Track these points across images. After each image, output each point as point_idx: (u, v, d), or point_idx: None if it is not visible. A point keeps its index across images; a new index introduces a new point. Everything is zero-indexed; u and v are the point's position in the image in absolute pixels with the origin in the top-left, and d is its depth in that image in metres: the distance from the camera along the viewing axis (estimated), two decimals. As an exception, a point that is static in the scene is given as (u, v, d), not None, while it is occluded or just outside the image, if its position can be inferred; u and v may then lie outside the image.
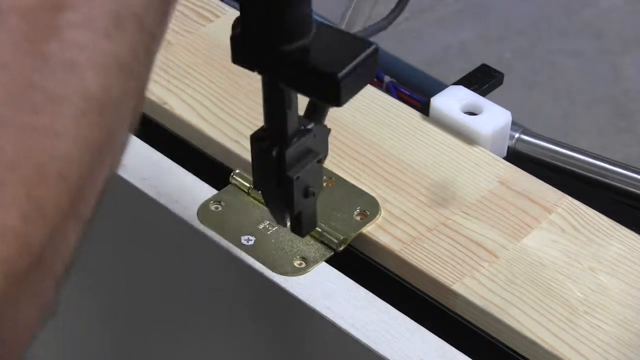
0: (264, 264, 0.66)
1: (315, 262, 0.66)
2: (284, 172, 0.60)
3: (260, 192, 0.63)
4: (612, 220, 0.69)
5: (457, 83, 0.78)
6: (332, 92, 0.54)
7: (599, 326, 0.62)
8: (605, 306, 0.63)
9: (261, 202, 0.69)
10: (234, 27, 0.57)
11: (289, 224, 0.63)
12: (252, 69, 0.57)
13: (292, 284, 0.65)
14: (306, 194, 0.61)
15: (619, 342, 0.61)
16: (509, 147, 0.77)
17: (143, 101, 0.44)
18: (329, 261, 0.66)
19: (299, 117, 0.60)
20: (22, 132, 0.38)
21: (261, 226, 0.68)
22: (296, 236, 0.67)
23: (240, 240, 0.67)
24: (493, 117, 0.74)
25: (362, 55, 0.55)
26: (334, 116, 0.75)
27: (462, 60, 2.06)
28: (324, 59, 0.55)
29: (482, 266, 0.65)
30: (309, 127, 0.60)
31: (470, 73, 0.81)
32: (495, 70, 0.81)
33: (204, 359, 0.78)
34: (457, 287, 0.64)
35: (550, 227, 0.68)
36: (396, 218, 0.68)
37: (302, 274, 0.65)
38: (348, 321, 0.63)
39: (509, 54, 2.14)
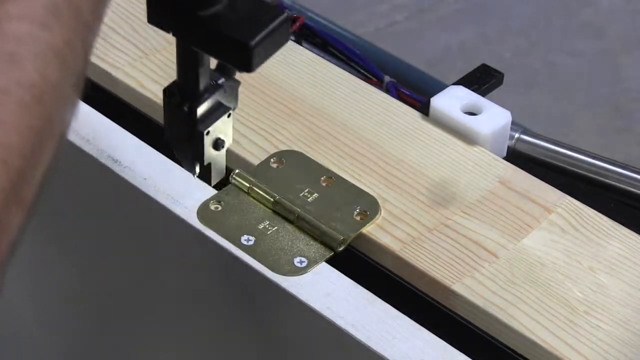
0: (264, 264, 0.66)
1: (315, 262, 0.66)
2: (194, 127, 0.62)
3: (170, 143, 0.65)
4: (612, 220, 0.69)
5: (457, 83, 0.78)
6: (243, 60, 0.57)
7: (599, 326, 0.62)
8: (605, 306, 0.63)
9: (261, 202, 0.69)
10: None
11: (197, 172, 0.65)
12: (167, 30, 0.59)
13: (292, 284, 0.65)
14: (216, 146, 0.64)
15: (619, 342, 0.61)
16: (509, 147, 0.77)
17: (81, 88, 0.45)
18: (329, 261, 0.66)
19: (211, 71, 0.62)
20: None
21: (261, 226, 0.68)
22: (296, 236, 0.67)
23: (240, 240, 0.67)
24: (493, 117, 0.74)
25: (274, 24, 0.57)
26: (334, 115, 0.75)
27: (462, 60, 2.06)
28: (237, 26, 0.57)
29: (482, 266, 0.65)
30: (220, 82, 0.63)
31: (470, 73, 0.81)
32: (495, 70, 0.81)
33: (204, 358, 0.78)
34: (457, 287, 0.64)
35: (550, 227, 0.68)
36: (396, 218, 0.68)
37: (302, 274, 0.65)
38: (348, 321, 0.63)
39: (509, 54, 2.14)
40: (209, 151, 0.64)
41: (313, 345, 0.67)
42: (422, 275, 0.65)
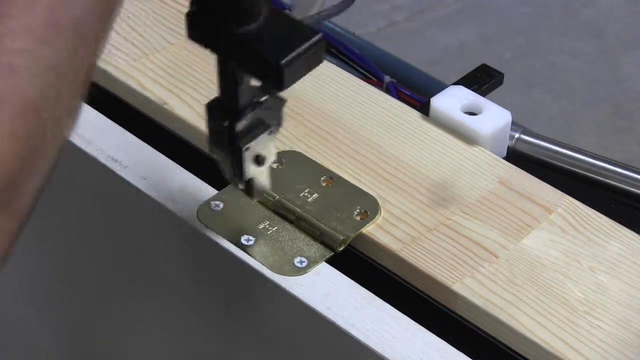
0: (264, 264, 0.66)
1: (315, 262, 0.66)
2: (235, 142, 0.62)
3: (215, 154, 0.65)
4: (612, 220, 0.69)
5: (457, 83, 0.78)
6: (275, 78, 0.58)
7: (599, 326, 0.62)
8: (605, 306, 0.63)
9: (261, 202, 0.69)
10: (191, 3, 0.59)
11: (241, 187, 0.65)
12: (205, 46, 0.60)
13: (292, 284, 0.65)
14: (257, 161, 0.64)
15: (619, 342, 0.61)
16: (509, 147, 0.77)
17: (79, 103, 0.47)
18: (329, 261, 0.66)
19: (254, 88, 0.62)
20: None
21: (261, 226, 0.68)
22: (296, 236, 0.67)
23: (240, 240, 0.67)
24: (493, 117, 0.74)
25: (307, 44, 0.58)
26: (334, 115, 0.75)
27: (462, 60, 2.06)
28: (271, 45, 0.58)
29: (482, 266, 0.65)
30: (262, 99, 0.63)
31: (470, 73, 0.81)
32: (495, 70, 0.81)
33: (203, 358, 0.78)
34: (457, 287, 0.64)
35: (550, 227, 0.68)
36: (396, 218, 0.68)
37: (302, 274, 0.65)
38: (348, 321, 0.63)
39: (509, 54, 2.14)
40: (250, 167, 0.64)
41: (313, 345, 0.67)
42: (422, 275, 0.65)
